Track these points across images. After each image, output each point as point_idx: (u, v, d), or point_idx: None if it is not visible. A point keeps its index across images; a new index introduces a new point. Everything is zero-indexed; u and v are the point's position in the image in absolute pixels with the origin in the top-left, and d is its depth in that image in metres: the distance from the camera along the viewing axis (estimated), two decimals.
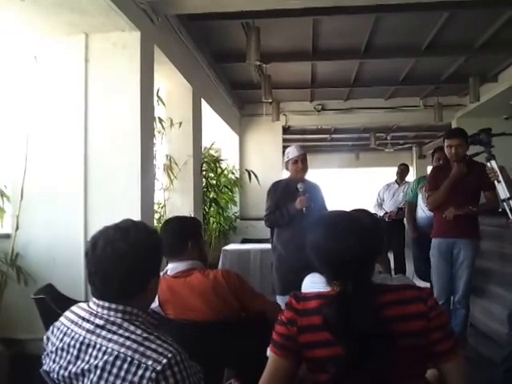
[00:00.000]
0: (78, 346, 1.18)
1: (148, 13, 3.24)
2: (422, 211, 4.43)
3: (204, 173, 5.33)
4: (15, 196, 3.15)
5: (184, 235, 2.05)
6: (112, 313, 1.18)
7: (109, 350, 1.13)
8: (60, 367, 1.20)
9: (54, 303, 2.15)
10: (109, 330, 1.16)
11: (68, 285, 2.75)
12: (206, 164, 5.47)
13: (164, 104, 4.29)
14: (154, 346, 1.12)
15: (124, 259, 1.18)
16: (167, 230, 2.08)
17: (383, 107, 7.44)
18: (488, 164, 2.94)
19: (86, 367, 1.15)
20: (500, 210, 3.14)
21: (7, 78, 3.29)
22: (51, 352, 1.24)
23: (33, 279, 3.06)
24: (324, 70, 5.98)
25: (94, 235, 1.24)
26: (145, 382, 1.08)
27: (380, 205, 6.00)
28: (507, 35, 4.61)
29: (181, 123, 4.45)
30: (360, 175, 13.10)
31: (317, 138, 10.63)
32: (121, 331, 1.16)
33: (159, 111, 4.17)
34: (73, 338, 1.20)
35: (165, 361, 1.09)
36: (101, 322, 1.18)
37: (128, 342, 1.13)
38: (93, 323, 1.19)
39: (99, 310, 1.20)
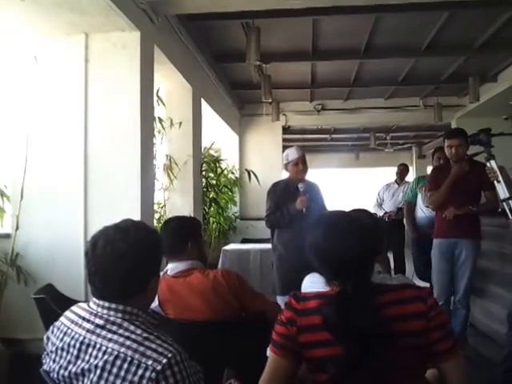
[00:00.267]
0: (78, 345, 1.18)
1: (148, 13, 3.24)
2: (422, 211, 4.44)
3: (204, 173, 5.33)
4: (15, 196, 3.15)
5: (184, 235, 2.05)
6: (112, 312, 1.19)
7: (109, 350, 1.13)
8: (60, 367, 1.21)
9: (53, 303, 2.15)
10: (109, 330, 1.16)
11: (68, 285, 2.75)
12: (205, 164, 5.47)
13: (164, 104, 4.29)
14: (154, 345, 1.12)
15: (124, 259, 1.18)
16: (167, 229, 2.08)
17: (383, 107, 7.43)
18: (488, 164, 2.94)
19: (86, 367, 1.15)
20: (499, 210, 3.14)
21: (7, 78, 3.29)
22: (51, 352, 1.25)
23: (33, 279, 3.06)
24: (324, 69, 5.98)
25: (94, 235, 1.24)
26: (145, 381, 1.08)
27: (380, 205, 6.00)
28: (507, 35, 4.61)
29: (181, 123, 4.45)
30: (360, 175, 13.10)
31: (317, 138, 10.63)
32: (121, 331, 1.16)
33: (159, 111, 4.17)
34: (73, 337, 1.20)
35: (165, 361, 1.09)
36: (101, 322, 1.18)
37: (128, 342, 1.13)
38: (93, 323, 1.19)
39: (99, 309, 1.20)
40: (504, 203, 2.85)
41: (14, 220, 3.11)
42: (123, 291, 1.19)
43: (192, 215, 4.10)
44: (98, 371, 1.12)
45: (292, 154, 3.34)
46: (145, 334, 1.15)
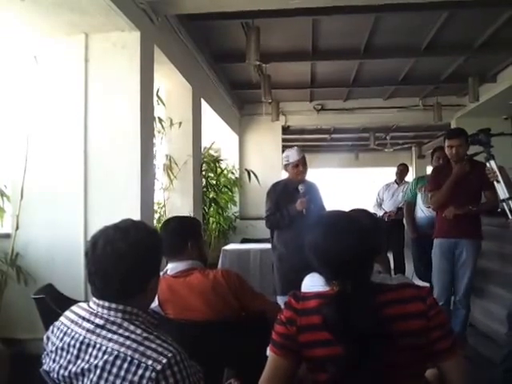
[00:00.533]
0: (78, 345, 1.18)
1: (148, 13, 3.24)
2: (422, 211, 4.44)
3: (204, 173, 5.34)
4: (15, 196, 3.15)
5: (184, 235, 2.05)
6: (112, 312, 1.19)
7: (109, 350, 1.13)
8: (60, 367, 1.21)
9: (53, 303, 2.16)
10: (109, 330, 1.16)
11: (68, 285, 2.75)
12: (205, 164, 5.48)
13: (164, 104, 4.29)
14: (153, 345, 1.12)
15: (124, 259, 1.18)
16: (167, 229, 2.08)
17: (383, 107, 7.43)
18: (487, 164, 2.94)
19: (86, 367, 1.15)
20: (499, 209, 3.14)
21: (7, 78, 3.29)
22: (51, 352, 1.25)
23: (33, 279, 3.06)
24: (323, 69, 5.98)
25: (94, 235, 1.24)
26: (145, 381, 1.08)
27: (379, 205, 6.01)
28: (506, 35, 4.61)
29: (180, 123, 4.45)
30: (359, 175, 13.11)
31: (316, 138, 10.63)
32: (121, 331, 1.16)
33: (159, 111, 4.17)
34: (73, 337, 1.20)
35: (165, 360, 1.09)
36: (101, 322, 1.18)
37: (128, 342, 1.13)
38: (93, 323, 1.19)
39: (99, 309, 1.20)
40: (504, 203, 2.85)
41: (14, 220, 3.11)
42: (123, 291, 1.19)
43: (192, 215, 4.10)
44: (98, 371, 1.12)
45: (292, 155, 3.33)
46: (145, 334, 1.15)
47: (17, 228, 3.09)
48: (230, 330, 1.93)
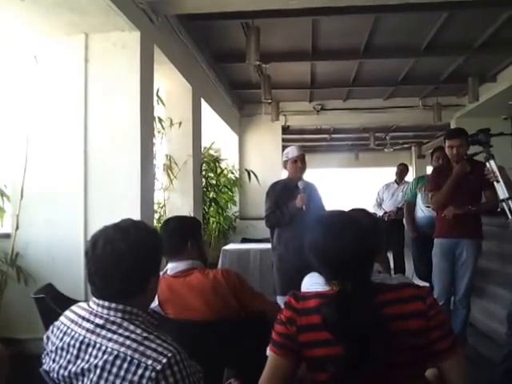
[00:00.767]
0: (77, 345, 1.18)
1: (148, 13, 3.24)
2: (421, 211, 4.44)
3: (204, 173, 5.34)
4: (15, 196, 3.15)
5: (184, 235, 2.05)
6: (112, 312, 1.19)
7: (109, 350, 1.13)
8: (60, 367, 1.21)
9: (53, 303, 2.15)
10: (109, 330, 1.16)
11: (68, 284, 2.75)
12: (205, 164, 5.48)
13: (164, 104, 4.29)
14: (153, 345, 1.12)
15: (124, 259, 1.18)
16: (167, 229, 2.08)
17: (382, 107, 7.44)
18: (487, 164, 2.94)
19: (86, 366, 1.15)
20: (499, 209, 3.14)
21: (7, 78, 3.29)
22: (51, 351, 1.25)
23: (33, 279, 3.06)
24: (323, 70, 5.98)
25: (94, 235, 1.24)
26: (145, 381, 1.08)
27: (379, 204, 6.01)
28: (506, 35, 4.62)
29: (180, 123, 4.45)
30: (359, 175, 13.10)
31: (316, 138, 10.63)
32: (121, 330, 1.16)
33: (159, 111, 4.17)
34: (73, 337, 1.20)
35: (165, 360, 1.09)
36: (101, 322, 1.18)
37: (128, 342, 1.13)
38: (93, 322, 1.19)
39: (99, 309, 1.20)
40: (503, 203, 2.85)
41: (14, 220, 3.11)
42: (123, 291, 1.19)
43: (192, 215, 4.10)
44: (98, 371, 1.12)
45: (292, 151, 3.38)
46: (144, 334, 1.15)
47: (17, 228, 3.09)
48: (230, 330, 1.93)
